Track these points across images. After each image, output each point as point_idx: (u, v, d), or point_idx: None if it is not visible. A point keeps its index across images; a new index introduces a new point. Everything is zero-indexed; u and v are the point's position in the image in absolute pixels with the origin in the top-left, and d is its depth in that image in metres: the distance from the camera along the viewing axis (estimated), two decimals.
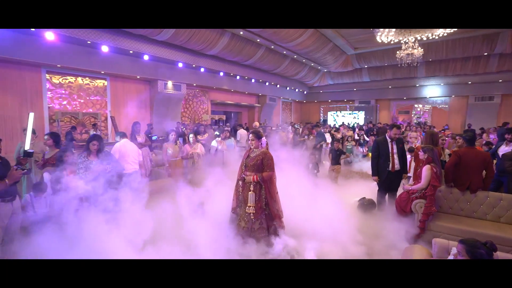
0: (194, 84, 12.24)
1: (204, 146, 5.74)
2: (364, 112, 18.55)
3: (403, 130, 11.29)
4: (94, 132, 7.66)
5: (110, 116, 9.31)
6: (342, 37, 12.32)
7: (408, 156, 4.33)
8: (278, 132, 8.67)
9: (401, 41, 10.37)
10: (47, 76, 8.39)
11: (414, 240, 3.21)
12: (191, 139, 5.42)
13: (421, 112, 17.79)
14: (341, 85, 18.77)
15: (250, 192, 2.99)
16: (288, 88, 18.34)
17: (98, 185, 3.22)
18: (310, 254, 2.82)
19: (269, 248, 2.92)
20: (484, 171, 3.43)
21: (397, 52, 10.66)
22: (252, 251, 2.86)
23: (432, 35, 9.77)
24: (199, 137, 5.99)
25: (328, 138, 8.44)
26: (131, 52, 9.01)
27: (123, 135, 4.68)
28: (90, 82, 9.40)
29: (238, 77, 13.90)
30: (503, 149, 4.18)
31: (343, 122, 16.50)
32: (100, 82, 9.64)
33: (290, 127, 11.31)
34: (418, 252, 2.02)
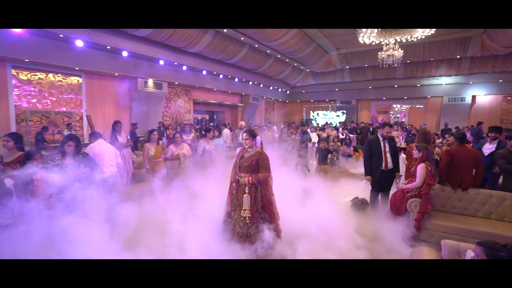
0: (176, 83, 11.84)
1: (190, 146, 5.47)
2: (345, 112, 18.91)
3: None
4: (69, 132, 7.12)
5: (86, 116, 8.76)
6: (325, 37, 12.43)
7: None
8: (264, 132, 8.55)
9: (382, 43, 10.62)
10: (14, 71, 7.70)
11: (414, 240, 3.19)
12: (176, 139, 5.14)
13: (399, 112, 18.43)
14: (323, 85, 19.03)
15: (245, 195, 2.81)
16: (271, 88, 18.30)
17: (71, 190, 2.89)
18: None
19: (266, 253, 2.77)
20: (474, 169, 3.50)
21: (379, 53, 10.90)
22: (248, 257, 2.70)
23: (411, 37, 10.08)
24: (184, 137, 5.70)
25: (315, 138, 8.42)
26: (108, 47, 8.50)
27: (97, 135, 4.29)
28: (63, 79, 8.76)
29: (221, 76, 13.63)
30: (487, 147, 4.31)
31: (326, 122, 16.71)
32: (74, 79, 9.02)
33: (276, 126, 11.23)
34: (427, 255, 1.96)
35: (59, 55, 7.80)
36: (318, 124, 17.81)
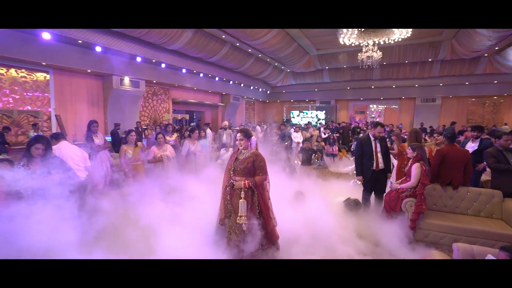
0: (154, 81, 11.31)
1: (173, 147, 5.16)
2: (324, 111, 19.22)
3: (365, 129, 11.86)
4: (36, 133, 6.48)
5: (55, 115, 8.06)
6: (306, 37, 12.50)
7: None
8: None
9: (361, 44, 10.86)
10: None
11: (413, 241, 3.17)
12: (159, 140, 4.81)
13: (375, 112, 19.07)
14: (303, 85, 19.22)
15: (241, 200, 2.61)
16: (251, 88, 18.16)
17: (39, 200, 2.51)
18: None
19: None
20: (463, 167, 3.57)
21: (359, 54, 11.13)
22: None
23: (388, 39, 10.40)
24: (167, 137, 5.36)
25: (299, 138, 8.38)
26: (80, 42, 7.88)
27: (59, 136, 3.81)
28: (28, 75, 7.99)
29: (201, 75, 13.26)
30: (470, 146, 4.46)
31: (309, 121, 16.87)
32: (40, 75, 8.26)
33: (259, 126, 11.09)
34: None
35: (23, 49, 7.09)
36: (294, 124, 17.96)
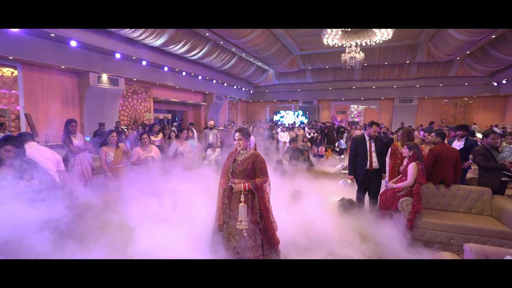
0: (135, 79, 10.80)
1: (159, 148, 4.88)
2: (307, 111, 19.40)
3: (349, 128, 12.07)
4: (4, 134, 5.91)
5: (24, 114, 7.44)
6: (290, 37, 12.52)
7: None
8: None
9: (344, 45, 11.05)
10: None
11: (412, 240, 3.17)
12: (143, 141, 4.53)
13: (355, 112, 19.54)
14: (286, 85, 19.30)
15: (241, 204, 2.45)
16: (235, 87, 17.96)
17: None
18: None
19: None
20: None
21: (342, 54, 11.30)
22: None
23: (370, 41, 10.64)
24: (152, 137, 5.07)
25: (286, 137, 8.33)
26: (52, 35, 7.32)
27: (27, 136, 3.36)
28: None
29: (184, 73, 12.88)
30: (456, 144, 4.59)
31: (294, 121, 16.95)
32: (7, 71, 7.59)
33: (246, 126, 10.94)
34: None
35: None
36: (282, 124, 17.97)
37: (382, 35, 10.17)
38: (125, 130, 8.83)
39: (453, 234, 3.12)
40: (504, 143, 3.96)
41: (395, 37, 12.04)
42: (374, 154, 3.88)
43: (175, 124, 12.37)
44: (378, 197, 3.85)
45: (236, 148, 2.64)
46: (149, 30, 8.59)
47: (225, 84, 16.63)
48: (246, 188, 2.47)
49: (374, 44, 11.13)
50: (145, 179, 4.09)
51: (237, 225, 2.44)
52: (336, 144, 10.20)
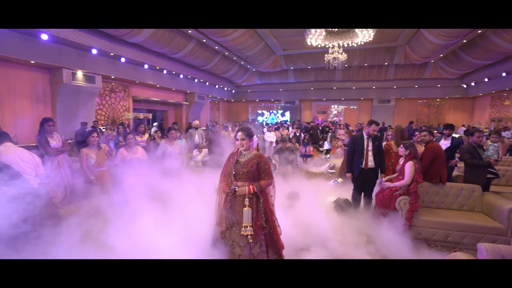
0: (113, 77, 10.23)
1: (144, 149, 4.60)
2: (289, 111, 19.52)
3: (333, 128, 12.23)
4: None
5: None
6: (274, 37, 12.49)
7: None
8: (221, 132, 7.99)
9: (327, 46, 11.20)
10: None
11: (409, 239, 3.17)
12: (128, 141, 4.23)
13: (336, 112, 19.97)
14: (268, 85, 19.31)
15: (245, 208, 2.30)
16: (217, 86, 17.67)
17: None
18: None
19: None
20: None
21: (326, 55, 11.44)
22: None
23: (352, 42, 10.87)
24: (137, 138, 4.77)
25: (272, 137, 8.25)
26: None
27: (4, 136, 3.05)
28: None
29: (165, 72, 12.44)
30: (442, 143, 4.73)
31: (281, 121, 16.94)
32: None
33: (230, 126, 10.73)
34: None
35: None
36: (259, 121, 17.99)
37: (364, 36, 10.41)
38: (103, 130, 8.33)
39: (449, 232, 3.18)
40: (488, 142, 4.13)
41: (375, 39, 12.37)
42: (370, 153, 3.88)
43: (155, 124, 11.89)
44: (374, 196, 3.85)
45: (238, 149, 2.49)
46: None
47: (207, 83, 16.31)
48: (251, 191, 2.32)
49: (355, 45, 11.40)
50: (132, 183, 3.81)
51: (242, 231, 2.29)
52: (321, 143, 10.28)
